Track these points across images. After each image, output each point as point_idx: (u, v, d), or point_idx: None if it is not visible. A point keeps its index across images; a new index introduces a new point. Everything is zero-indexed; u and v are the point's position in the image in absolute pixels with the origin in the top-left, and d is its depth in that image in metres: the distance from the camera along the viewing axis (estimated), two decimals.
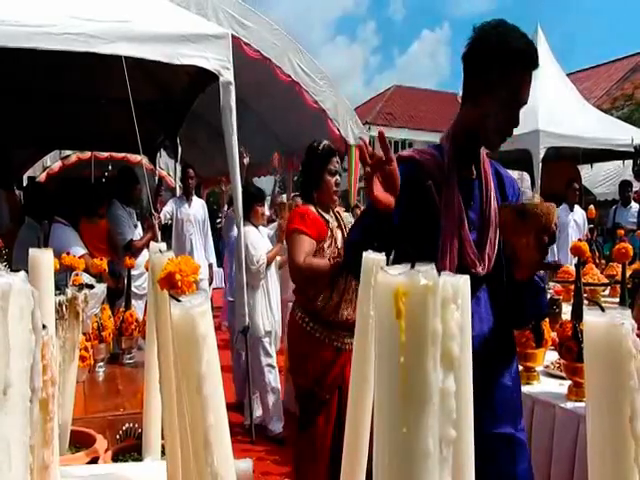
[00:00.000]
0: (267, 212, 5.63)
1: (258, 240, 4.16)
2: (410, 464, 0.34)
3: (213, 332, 0.59)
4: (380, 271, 0.35)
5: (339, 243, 2.70)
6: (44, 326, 0.68)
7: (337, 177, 2.80)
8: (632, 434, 0.50)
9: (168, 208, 6.14)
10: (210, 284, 6.69)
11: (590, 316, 0.51)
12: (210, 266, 6.23)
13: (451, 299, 0.37)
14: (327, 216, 2.78)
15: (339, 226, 2.79)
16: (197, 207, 6.00)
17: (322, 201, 2.80)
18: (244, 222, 4.06)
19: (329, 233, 2.69)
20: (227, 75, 3.67)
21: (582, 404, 2.06)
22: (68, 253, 2.67)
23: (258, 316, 4.14)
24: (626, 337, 0.49)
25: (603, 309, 0.52)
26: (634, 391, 0.50)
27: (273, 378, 4.20)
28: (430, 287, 0.34)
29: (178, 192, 7.37)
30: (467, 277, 0.57)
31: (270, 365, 4.18)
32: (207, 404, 0.55)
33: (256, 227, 4.25)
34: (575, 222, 6.81)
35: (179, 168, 7.32)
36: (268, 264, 4.12)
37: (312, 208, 2.76)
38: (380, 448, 0.35)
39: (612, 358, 0.49)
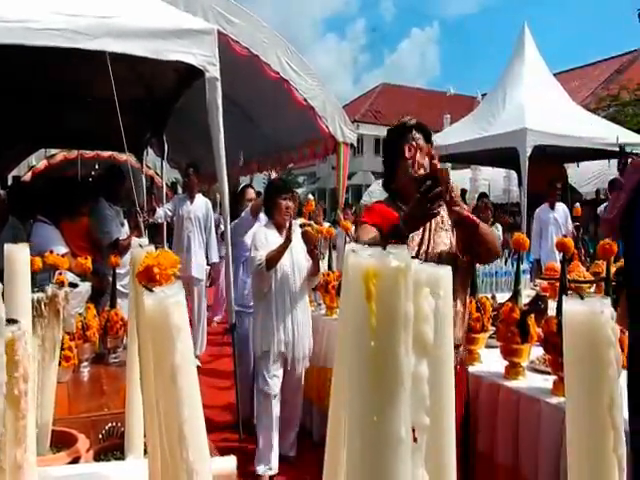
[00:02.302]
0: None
1: (268, 241, 3.45)
2: (381, 452, 0.33)
3: (188, 325, 0.58)
4: (350, 253, 0.34)
5: (410, 241, 2.07)
6: (14, 321, 0.67)
7: (417, 156, 2.15)
8: (611, 423, 0.49)
9: (169, 206, 6.12)
10: (212, 284, 6.63)
11: (570, 304, 0.51)
12: (212, 265, 6.18)
13: (424, 282, 0.36)
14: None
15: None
16: (199, 205, 5.95)
17: (404, 193, 2.16)
18: (266, 221, 3.65)
19: None
20: (213, 71, 3.65)
21: None
22: (51, 252, 2.64)
23: (256, 332, 3.54)
24: (605, 325, 0.49)
25: (583, 297, 0.51)
26: (613, 380, 0.50)
27: (268, 409, 3.47)
28: (402, 269, 0.33)
29: (165, 190, 7.34)
30: (449, 268, 0.56)
31: (264, 393, 3.47)
32: (182, 397, 0.54)
33: (278, 229, 3.54)
34: (555, 220, 6.84)
35: (166, 165, 7.29)
36: (270, 267, 3.36)
37: (385, 205, 2.21)
38: (351, 435, 0.34)
39: (591, 346, 0.49)
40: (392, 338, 0.33)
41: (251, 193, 5.13)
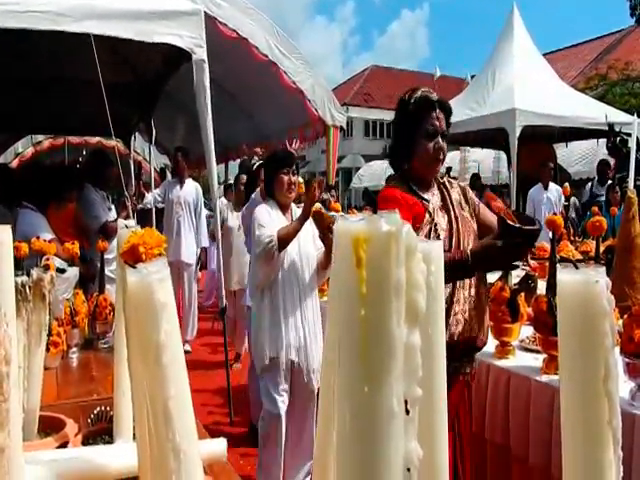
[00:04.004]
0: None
1: (273, 220, 2.84)
2: (373, 425, 0.32)
3: (173, 302, 0.56)
4: (339, 218, 0.32)
5: (441, 230, 1.89)
6: None
7: (438, 140, 1.91)
8: (606, 395, 0.48)
9: (158, 190, 6.08)
10: (202, 268, 6.57)
11: (564, 274, 0.49)
12: (203, 250, 6.13)
13: (416, 248, 0.34)
14: (427, 195, 1.97)
15: (444, 207, 1.97)
16: (189, 189, 5.90)
17: (419, 175, 1.97)
18: (266, 199, 3.04)
19: (427, 217, 1.90)
20: (200, 53, 3.60)
21: (557, 377, 2.08)
22: (38, 238, 2.60)
23: (261, 333, 2.82)
24: (601, 295, 0.48)
25: (577, 267, 0.50)
26: (608, 351, 0.49)
27: (273, 433, 2.82)
28: (393, 233, 0.31)
29: (153, 175, 7.28)
30: (440, 242, 0.55)
31: (270, 413, 2.82)
32: (167, 376, 0.52)
33: (282, 210, 2.96)
34: (548, 199, 6.88)
35: (154, 150, 7.22)
36: (283, 246, 2.72)
37: (400, 189, 1.96)
38: (341, 410, 0.33)
39: (586, 317, 0.48)
40: (383, 306, 0.32)
41: None
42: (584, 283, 0.47)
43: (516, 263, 1.73)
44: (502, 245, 1.62)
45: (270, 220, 2.82)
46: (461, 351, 1.88)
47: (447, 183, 2.06)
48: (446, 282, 1.62)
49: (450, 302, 1.83)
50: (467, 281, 1.88)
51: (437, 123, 1.91)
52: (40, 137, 10.66)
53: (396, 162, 2.04)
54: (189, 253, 5.83)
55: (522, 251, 1.65)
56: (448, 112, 1.97)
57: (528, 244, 1.65)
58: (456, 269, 1.70)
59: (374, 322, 0.32)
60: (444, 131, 1.94)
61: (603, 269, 0.49)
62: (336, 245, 0.32)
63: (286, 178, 2.92)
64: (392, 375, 0.32)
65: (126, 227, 1.01)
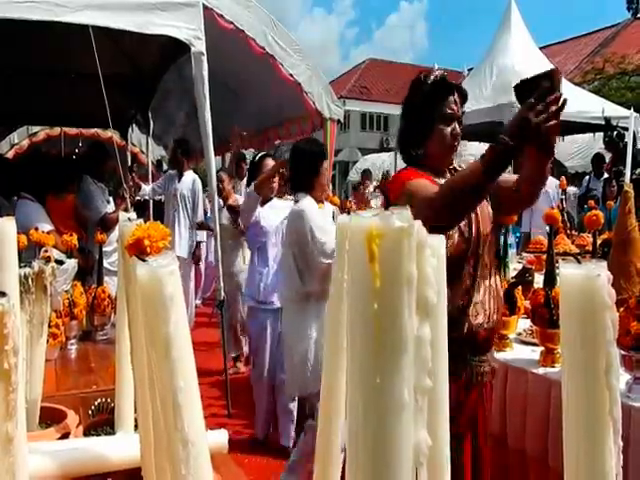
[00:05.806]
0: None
1: (324, 221, 2.61)
2: (384, 415, 0.33)
3: (182, 293, 0.57)
4: (352, 214, 0.33)
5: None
6: (2, 293, 0.66)
7: (455, 125, 1.83)
8: (607, 387, 0.49)
9: (159, 183, 6.08)
10: (198, 262, 6.54)
11: (566, 269, 0.50)
12: (198, 244, 6.10)
13: (426, 243, 0.35)
14: (442, 181, 1.81)
15: None
16: (186, 182, 5.87)
17: (432, 161, 1.85)
18: (301, 193, 2.80)
19: None
20: (199, 45, 3.60)
21: (554, 369, 2.11)
22: (36, 229, 2.60)
23: (316, 348, 2.71)
24: (602, 289, 0.49)
25: (579, 261, 0.51)
26: (609, 343, 0.50)
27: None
28: (406, 229, 0.32)
29: (151, 168, 7.26)
30: (442, 237, 0.56)
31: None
32: (176, 367, 0.53)
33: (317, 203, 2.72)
34: (547, 192, 6.90)
35: (152, 143, 7.19)
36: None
37: (417, 172, 1.82)
38: (353, 400, 0.34)
39: (588, 310, 0.49)
40: (396, 300, 0.33)
41: (271, 164, 4.12)
42: (586, 277, 0.48)
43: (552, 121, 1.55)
44: (528, 102, 1.52)
45: (323, 219, 2.59)
46: (480, 342, 1.81)
47: (458, 168, 1.96)
48: (461, 202, 1.58)
49: (471, 292, 1.76)
50: (487, 272, 1.82)
51: (455, 107, 1.83)
52: (36, 128, 10.60)
53: (408, 147, 1.89)
54: (183, 247, 5.81)
55: (551, 101, 1.52)
56: (464, 98, 1.89)
57: (552, 91, 1.52)
58: (498, 154, 1.61)
59: (387, 315, 0.33)
60: (460, 117, 1.86)
61: (604, 263, 0.50)
62: (350, 241, 0.33)
63: (327, 173, 2.71)
64: (403, 367, 0.33)
65: (129, 220, 1.01)
